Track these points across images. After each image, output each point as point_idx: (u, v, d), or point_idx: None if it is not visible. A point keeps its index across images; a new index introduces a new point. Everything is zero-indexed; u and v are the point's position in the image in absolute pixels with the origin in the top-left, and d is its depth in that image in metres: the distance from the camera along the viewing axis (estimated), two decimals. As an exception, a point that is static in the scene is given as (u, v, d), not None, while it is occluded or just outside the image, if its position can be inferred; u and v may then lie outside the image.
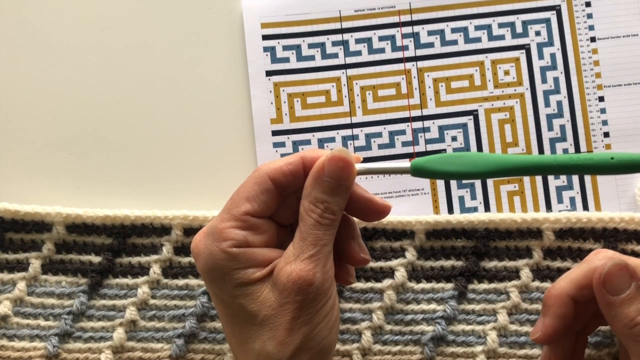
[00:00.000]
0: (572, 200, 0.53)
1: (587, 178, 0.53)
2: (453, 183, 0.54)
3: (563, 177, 0.54)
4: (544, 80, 0.55)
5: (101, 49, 0.56)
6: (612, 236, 0.51)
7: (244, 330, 0.39)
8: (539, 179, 0.53)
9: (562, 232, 0.51)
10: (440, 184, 0.54)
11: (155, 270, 0.52)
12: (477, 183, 0.54)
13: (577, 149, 0.54)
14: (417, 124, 0.55)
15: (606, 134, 0.54)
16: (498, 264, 0.51)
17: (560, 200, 0.53)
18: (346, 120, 0.55)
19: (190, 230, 0.52)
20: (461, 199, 0.54)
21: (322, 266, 0.38)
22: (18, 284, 0.52)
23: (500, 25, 0.55)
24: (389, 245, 0.52)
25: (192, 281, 0.52)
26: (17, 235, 0.53)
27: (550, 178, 0.54)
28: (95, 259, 0.52)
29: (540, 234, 0.51)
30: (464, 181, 0.53)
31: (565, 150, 0.54)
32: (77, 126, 0.55)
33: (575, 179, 0.53)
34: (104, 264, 0.52)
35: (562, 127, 0.54)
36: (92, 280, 0.52)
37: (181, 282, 0.52)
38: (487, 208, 0.53)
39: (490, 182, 0.54)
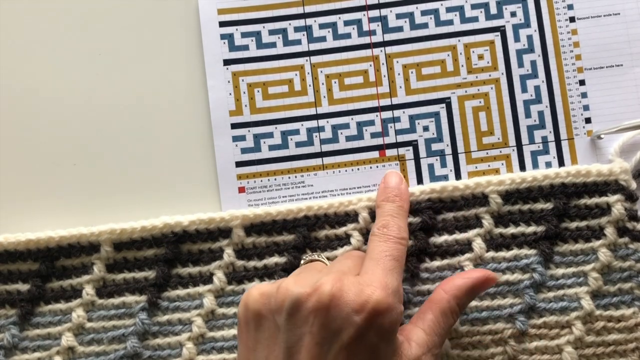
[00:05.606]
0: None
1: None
2: (425, 177, 0.51)
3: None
4: (521, 64, 0.51)
5: (49, 38, 0.52)
6: None
7: None
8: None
9: None
10: (412, 177, 0.51)
11: (89, 292, 0.49)
12: (464, 175, 0.50)
13: (557, 137, 0.51)
14: (387, 114, 0.51)
15: (588, 120, 0.51)
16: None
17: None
18: (311, 111, 0.52)
19: (120, 245, 0.49)
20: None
21: None
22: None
23: (473, 7, 0.52)
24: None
25: (129, 298, 0.49)
26: None
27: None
28: (23, 287, 0.49)
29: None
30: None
31: (545, 138, 0.51)
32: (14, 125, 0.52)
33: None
34: (34, 291, 0.49)
35: (541, 114, 0.51)
36: (22, 310, 0.49)
37: (117, 300, 0.49)
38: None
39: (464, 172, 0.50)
